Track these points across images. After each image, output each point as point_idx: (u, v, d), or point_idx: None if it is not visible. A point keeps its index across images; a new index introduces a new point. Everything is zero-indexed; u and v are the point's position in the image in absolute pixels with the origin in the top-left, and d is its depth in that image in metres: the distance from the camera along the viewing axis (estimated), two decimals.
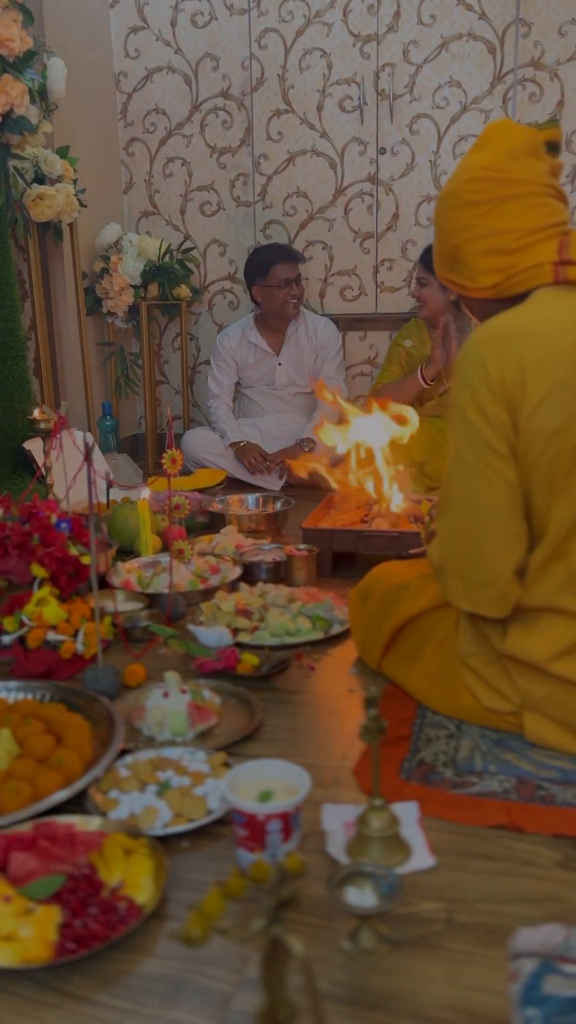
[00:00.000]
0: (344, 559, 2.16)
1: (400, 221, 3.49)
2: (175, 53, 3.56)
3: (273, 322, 3.33)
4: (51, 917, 0.93)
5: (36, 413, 2.46)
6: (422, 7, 3.26)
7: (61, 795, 1.15)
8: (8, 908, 0.93)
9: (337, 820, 1.13)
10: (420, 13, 3.27)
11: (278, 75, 3.47)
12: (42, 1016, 0.84)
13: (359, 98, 3.40)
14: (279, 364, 3.38)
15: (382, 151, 3.44)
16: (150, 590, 1.98)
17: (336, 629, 1.77)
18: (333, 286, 3.62)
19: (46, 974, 0.89)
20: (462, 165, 1.32)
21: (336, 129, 3.46)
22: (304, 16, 3.38)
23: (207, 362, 3.72)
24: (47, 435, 2.41)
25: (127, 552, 2.29)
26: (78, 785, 1.18)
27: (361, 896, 0.89)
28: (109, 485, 2.48)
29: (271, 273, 3.22)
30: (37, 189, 2.80)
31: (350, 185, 3.50)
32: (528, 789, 1.20)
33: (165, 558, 2.11)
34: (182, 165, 3.69)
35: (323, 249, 3.60)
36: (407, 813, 1.14)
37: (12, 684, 1.49)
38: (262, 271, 3.24)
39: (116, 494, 2.56)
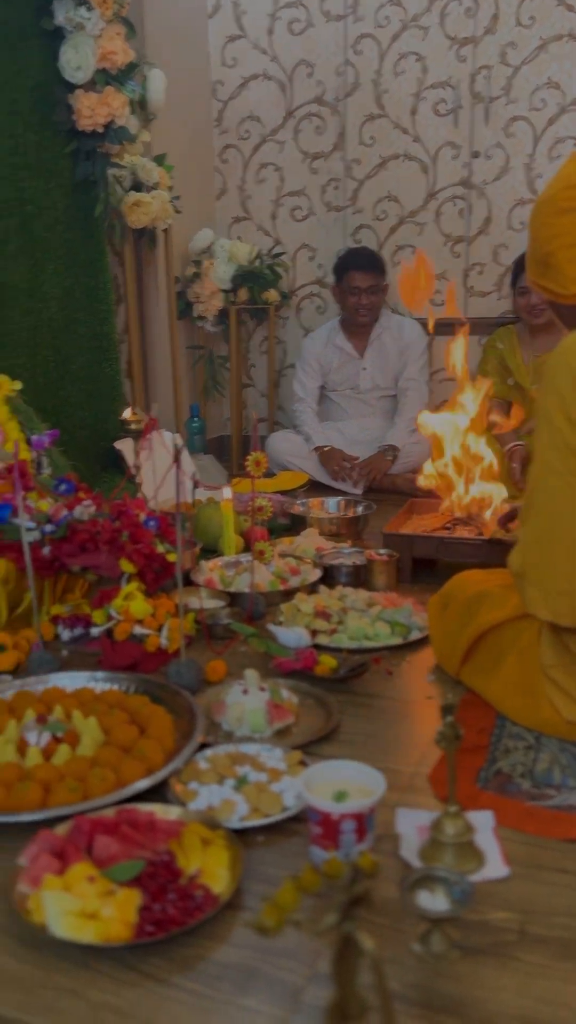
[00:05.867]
0: (425, 565, 2.16)
1: (492, 225, 3.45)
2: (271, 60, 3.61)
3: (354, 325, 3.34)
4: (131, 900, 0.96)
5: (127, 414, 2.54)
6: (521, 8, 3.22)
7: (143, 784, 1.20)
8: (92, 888, 0.98)
9: (411, 824, 1.13)
10: (519, 15, 3.22)
11: (372, 80, 3.48)
12: (122, 993, 0.88)
13: (454, 101, 3.37)
14: (364, 368, 3.38)
15: (476, 154, 3.40)
16: (231, 589, 2.02)
17: (415, 635, 1.77)
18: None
19: (126, 953, 0.93)
20: (561, 172, 1.31)
21: (429, 133, 3.45)
22: (400, 21, 3.38)
23: (293, 366, 3.75)
24: (138, 436, 2.48)
25: (210, 551, 2.34)
26: (159, 775, 1.22)
27: (433, 900, 0.89)
28: (195, 485, 2.54)
29: (345, 278, 3.25)
30: (134, 196, 2.88)
31: (442, 189, 3.48)
32: None
33: (246, 558, 2.15)
34: (275, 171, 3.73)
35: (412, 253, 3.58)
36: (482, 822, 1.14)
37: (99, 675, 1.55)
38: (340, 274, 3.27)
39: (201, 494, 2.62)
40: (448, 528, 2.19)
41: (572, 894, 1.01)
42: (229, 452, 3.91)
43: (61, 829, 1.09)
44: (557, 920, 0.97)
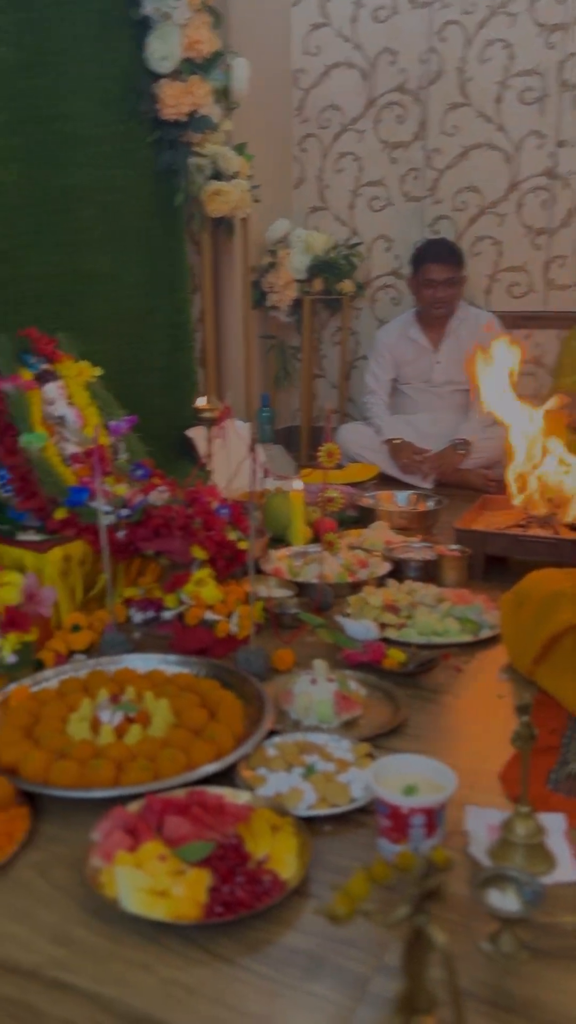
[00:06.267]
0: (497, 563, 2.13)
1: None
2: (354, 49, 3.59)
3: (430, 318, 3.30)
4: (201, 880, 0.98)
5: (201, 402, 2.56)
6: None
7: (213, 767, 1.22)
8: (163, 867, 1.00)
9: (481, 823, 1.12)
10: None
11: (457, 68, 3.42)
12: (191, 971, 0.90)
13: (541, 89, 3.30)
14: (438, 362, 3.34)
15: (561, 144, 3.32)
16: (299, 579, 2.03)
17: (485, 633, 1.75)
18: (500, 282, 3.55)
19: (195, 932, 0.95)
20: None
21: (514, 122, 3.38)
22: (488, 7, 3.31)
23: (365, 357, 3.73)
24: (211, 424, 2.50)
25: (278, 540, 2.35)
26: (229, 759, 1.24)
27: (504, 900, 0.89)
28: (264, 475, 2.55)
29: (421, 270, 3.21)
30: (214, 185, 2.90)
31: (525, 179, 3.41)
32: None
33: (315, 548, 2.15)
34: (353, 160, 3.71)
35: (492, 245, 3.52)
36: (554, 824, 1.12)
37: (171, 658, 1.57)
38: (416, 266, 3.24)
39: (270, 484, 2.63)
40: (522, 526, 2.16)
41: None
42: (297, 442, 3.91)
43: (133, 807, 1.12)
44: None
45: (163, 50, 2.47)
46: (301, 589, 1.98)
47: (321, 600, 1.90)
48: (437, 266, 3.17)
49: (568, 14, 3.20)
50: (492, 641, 1.74)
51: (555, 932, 0.94)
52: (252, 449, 1.56)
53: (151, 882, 0.98)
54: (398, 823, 1.04)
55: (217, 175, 2.97)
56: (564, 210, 3.37)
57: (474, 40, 3.37)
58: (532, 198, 3.42)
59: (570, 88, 3.25)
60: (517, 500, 2.19)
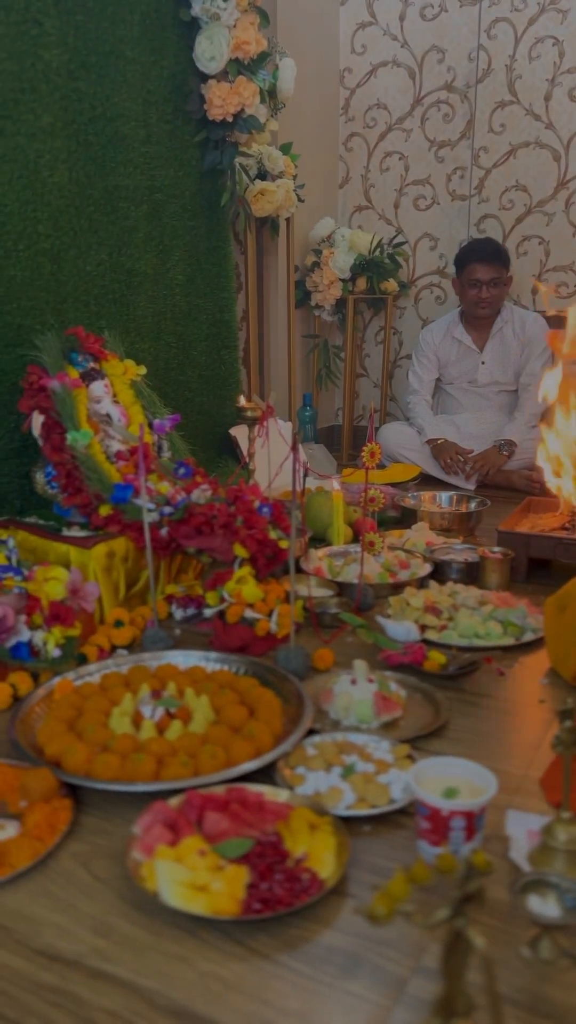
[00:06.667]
0: (540, 565, 2.10)
1: None
2: (401, 47, 3.57)
3: (474, 318, 3.27)
4: (240, 876, 0.99)
5: (243, 401, 2.57)
6: None
7: (252, 764, 1.22)
8: (203, 862, 1.00)
9: (521, 827, 1.11)
10: None
11: (505, 65, 3.39)
12: (229, 965, 0.90)
13: None
14: (482, 363, 3.31)
15: None
16: (339, 579, 2.03)
17: (528, 637, 1.73)
18: (547, 282, 3.50)
19: (233, 927, 0.95)
20: None
21: (563, 120, 3.34)
22: (538, 4, 3.28)
23: (408, 356, 3.72)
24: (253, 423, 2.51)
25: (318, 540, 2.35)
26: (268, 757, 1.24)
27: (544, 905, 0.88)
28: (305, 474, 2.55)
29: (466, 270, 3.18)
30: (259, 185, 2.91)
31: (574, 178, 3.37)
32: None
33: (355, 548, 2.15)
34: (399, 159, 3.69)
35: (539, 244, 3.48)
36: None
37: (211, 655, 1.58)
38: (460, 266, 3.21)
39: (311, 483, 2.63)
40: (567, 528, 2.13)
41: None
42: (340, 442, 3.91)
43: (173, 802, 1.13)
44: None
45: (211, 51, 2.49)
46: (341, 589, 1.98)
47: (361, 600, 1.90)
48: (482, 266, 3.14)
49: None
50: (535, 645, 1.72)
51: None
52: (293, 448, 1.56)
53: (191, 876, 0.99)
54: (438, 825, 1.03)
55: (262, 175, 2.98)
56: None
57: (523, 37, 3.33)
58: None
59: None
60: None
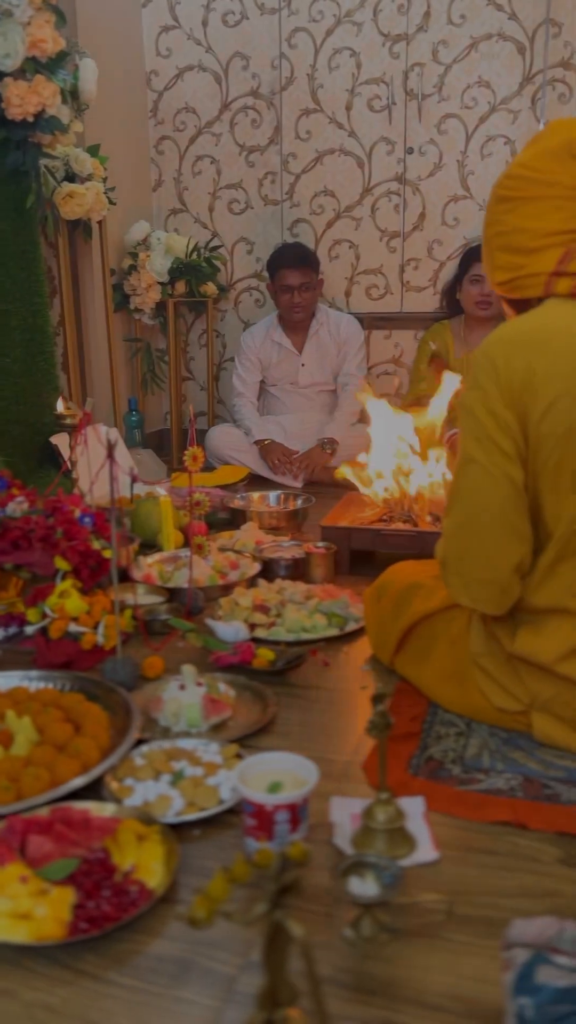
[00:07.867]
0: (363, 557, 2.19)
1: (427, 221, 3.49)
2: (206, 52, 3.59)
3: (290, 321, 3.35)
4: (65, 898, 0.96)
5: (61, 408, 2.50)
6: (452, 7, 3.26)
7: (78, 782, 1.19)
8: (25, 888, 0.97)
9: (345, 812, 1.15)
10: (450, 13, 3.27)
11: (307, 74, 3.48)
12: (55, 991, 0.88)
13: (388, 98, 3.40)
14: (302, 365, 3.40)
15: (410, 151, 3.44)
16: (170, 584, 2.02)
17: (351, 626, 1.80)
18: (359, 285, 3.64)
19: (59, 952, 0.93)
20: (512, 161, 1.34)
21: (364, 128, 3.48)
22: (334, 16, 3.39)
23: (232, 359, 3.75)
24: (73, 430, 2.45)
25: (149, 546, 2.33)
26: (94, 772, 1.22)
27: (363, 886, 0.91)
28: (133, 480, 2.52)
29: (276, 276, 3.25)
30: (67, 187, 2.84)
31: (377, 184, 3.52)
32: (534, 787, 1.22)
33: (185, 553, 2.15)
34: (211, 163, 3.72)
35: (349, 248, 3.61)
36: (413, 807, 1.16)
37: (33, 674, 1.53)
38: (272, 272, 3.28)
39: (140, 489, 2.60)
40: (385, 520, 2.22)
41: (498, 875, 1.04)
42: (169, 446, 3.89)
43: None
44: (483, 900, 1.00)
45: (5, 48, 2.40)
46: (172, 594, 1.97)
47: (192, 604, 1.90)
48: (291, 271, 3.22)
49: (410, 25, 3.32)
50: (358, 634, 1.78)
51: (415, 912, 0.98)
52: (110, 455, 1.54)
53: (12, 905, 0.95)
54: (263, 821, 1.05)
55: (70, 177, 2.91)
56: (415, 215, 3.50)
57: (322, 48, 3.44)
58: (385, 203, 3.52)
59: (415, 97, 3.37)
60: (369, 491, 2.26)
